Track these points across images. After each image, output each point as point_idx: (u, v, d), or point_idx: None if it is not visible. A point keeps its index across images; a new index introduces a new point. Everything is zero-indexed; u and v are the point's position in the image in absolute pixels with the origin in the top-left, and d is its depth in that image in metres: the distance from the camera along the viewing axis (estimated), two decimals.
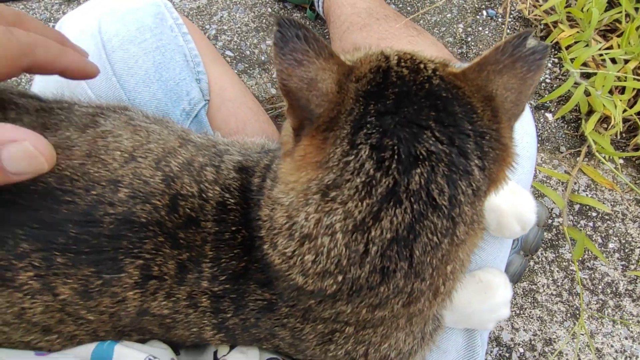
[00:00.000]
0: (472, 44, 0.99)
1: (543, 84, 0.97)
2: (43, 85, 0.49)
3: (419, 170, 0.25)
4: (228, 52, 0.97)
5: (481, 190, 0.27)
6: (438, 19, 1.00)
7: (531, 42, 0.27)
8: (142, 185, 0.30)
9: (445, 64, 0.30)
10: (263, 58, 0.96)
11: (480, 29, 1.00)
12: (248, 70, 0.95)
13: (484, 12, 1.02)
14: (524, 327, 0.80)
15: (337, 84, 0.27)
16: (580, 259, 0.84)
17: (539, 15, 0.96)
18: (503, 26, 1.00)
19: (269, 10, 1.00)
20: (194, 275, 0.30)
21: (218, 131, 0.56)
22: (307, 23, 0.99)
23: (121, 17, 0.51)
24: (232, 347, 0.35)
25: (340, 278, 0.27)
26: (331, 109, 0.27)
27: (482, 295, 0.41)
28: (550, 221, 0.86)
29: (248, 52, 0.97)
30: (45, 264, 0.28)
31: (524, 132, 0.47)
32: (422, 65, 0.29)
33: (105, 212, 0.29)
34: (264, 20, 0.99)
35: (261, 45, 0.97)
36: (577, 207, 0.88)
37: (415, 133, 0.26)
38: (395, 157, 0.25)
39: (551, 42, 0.95)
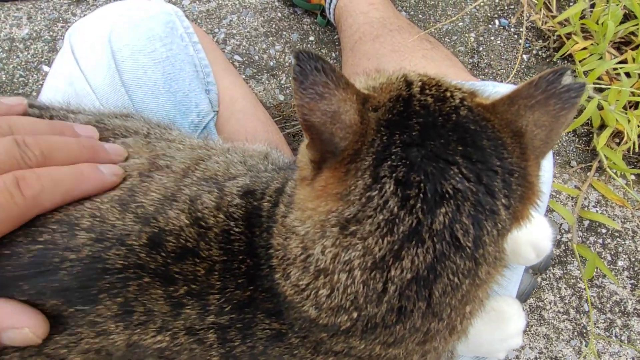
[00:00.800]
0: (484, 53, 0.98)
1: None
2: (52, 95, 0.48)
3: (444, 210, 0.24)
4: (237, 57, 0.96)
5: (505, 229, 0.26)
6: (450, 28, 0.99)
7: (567, 79, 0.26)
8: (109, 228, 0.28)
9: (473, 93, 0.29)
10: (272, 63, 0.95)
11: (492, 38, 0.99)
12: (256, 76, 0.94)
13: (497, 22, 1.01)
14: (529, 344, 0.79)
15: (358, 114, 0.26)
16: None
17: (553, 27, 0.95)
18: (516, 36, 0.98)
19: (279, 14, 0.99)
20: (195, 311, 0.29)
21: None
22: (317, 29, 0.98)
23: (133, 27, 0.50)
24: None
25: (355, 315, 0.26)
26: (355, 141, 0.26)
27: (494, 324, 0.40)
28: (558, 237, 0.85)
29: (257, 57, 0.96)
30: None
31: None
32: (448, 94, 0.28)
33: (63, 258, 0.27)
34: (274, 25, 0.98)
35: (270, 50, 0.96)
36: (586, 223, 0.87)
37: (442, 169, 0.25)
38: (421, 195, 0.24)
39: (564, 54, 0.93)
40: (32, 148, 0.28)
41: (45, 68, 0.94)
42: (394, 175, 0.25)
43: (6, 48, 0.95)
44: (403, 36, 0.66)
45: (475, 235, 0.25)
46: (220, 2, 0.99)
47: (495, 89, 0.51)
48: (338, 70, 0.26)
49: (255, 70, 0.95)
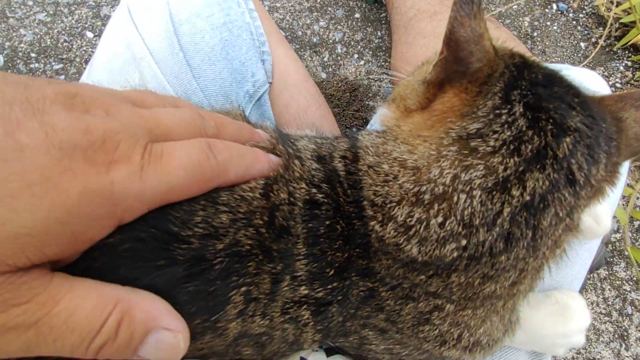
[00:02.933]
0: (538, 39, 0.93)
1: (613, 89, 0.90)
2: (108, 59, 0.47)
3: (568, 140, 0.25)
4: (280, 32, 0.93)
5: (597, 188, 0.27)
6: (503, 10, 0.94)
7: None
8: (241, 204, 0.27)
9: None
10: (315, 40, 0.93)
11: (549, 23, 0.94)
12: (299, 52, 0.92)
13: (554, 6, 0.95)
14: None
15: (494, 49, 0.28)
16: (634, 278, 0.79)
17: (617, 14, 0.88)
18: (574, 22, 0.93)
19: None
20: (287, 282, 0.28)
21: (278, 116, 0.53)
22: (363, 6, 0.94)
23: None
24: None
25: (464, 242, 0.25)
26: (489, 66, 0.28)
27: (558, 317, 0.38)
28: None
29: (300, 33, 0.93)
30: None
31: None
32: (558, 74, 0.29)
33: (215, 250, 0.25)
34: (319, 0, 0.95)
35: (314, 26, 0.94)
36: (637, 223, 0.83)
37: (565, 108, 0.26)
38: (550, 120, 0.26)
39: (626, 43, 0.88)
40: (209, 119, 0.28)
41: (89, 34, 0.94)
42: (523, 100, 0.26)
43: (51, 12, 0.95)
44: None
45: (586, 174, 0.26)
46: None
47: (568, 72, 0.47)
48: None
49: (297, 46, 0.92)
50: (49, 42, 0.93)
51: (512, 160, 0.25)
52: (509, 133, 0.25)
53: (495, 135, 0.25)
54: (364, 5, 0.95)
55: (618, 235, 0.81)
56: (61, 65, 0.91)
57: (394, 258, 0.27)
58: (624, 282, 0.79)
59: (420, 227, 0.26)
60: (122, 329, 0.21)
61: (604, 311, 0.78)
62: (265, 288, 0.28)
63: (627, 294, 0.79)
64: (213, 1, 0.49)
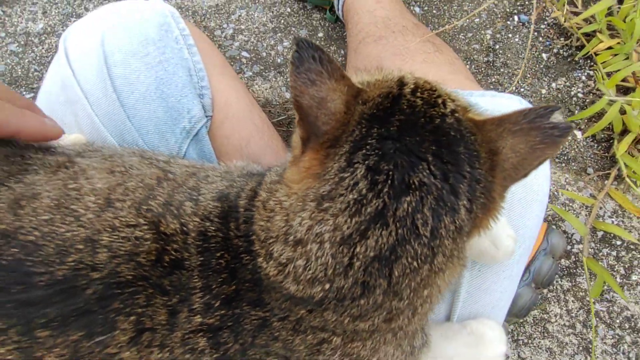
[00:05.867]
0: (500, 52, 0.93)
1: (575, 99, 0.90)
2: (45, 100, 0.49)
3: (408, 199, 0.27)
4: (244, 53, 0.95)
5: (464, 229, 0.28)
6: (465, 24, 0.95)
7: (556, 117, 0.27)
8: (122, 243, 0.29)
9: (466, 108, 0.31)
10: (279, 60, 0.94)
11: (510, 35, 0.94)
12: (263, 73, 0.94)
13: (516, 18, 0.95)
14: (531, 357, 0.77)
15: (345, 104, 0.29)
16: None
17: (577, 24, 0.89)
18: (535, 33, 0.93)
19: (288, 10, 0.98)
20: (184, 314, 0.30)
21: (219, 148, 0.55)
22: (327, 25, 0.96)
23: (126, 30, 0.50)
24: None
25: (327, 286, 0.28)
26: (336, 128, 0.29)
27: (472, 349, 0.39)
28: (570, 248, 0.82)
29: (264, 54, 0.95)
30: (26, 338, 0.27)
31: (535, 174, 0.43)
32: (440, 100, 0.29)
33: (88, 278, 0.28)
34: (282, 21, 0.97)
35: (278, 47, 0.95)
36: (600, 234, 0.83)
37: (412, 162, 0.27)
38: (389, 182, 0.27)
39: (586, 53, 0.88)
40: None
41: None
42: (366, 162, 0.27)
43: (22, 42, 0.97)
44: (406, 38, 0.63)
45: (433, 227, 0.27)
46: None
47: (494, 99, 0.48)
48: (335, 62, 0.29)
49: (262, 67, 0.94)
50: (20, 72, 0.95)
51: (353, 220, 0.27)
52: (351, 196, 0.27)
53: (341, 198, 0.27)
54: (327, 24, 0.96)
55: (581, 247, 0.82)
56: (32, 94, 0.94)
57: (279, 292, 0.29)
58: (588, 293, 0.79)
59: (291, 267, 0.28)
60: None
61: (567, 323, 0.78)
62: (161, 319, 0.29)
63: (590, 306, 0.79)
64: (149, 40, 0.50)
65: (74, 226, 0.29)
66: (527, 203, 0.42)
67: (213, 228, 0.31)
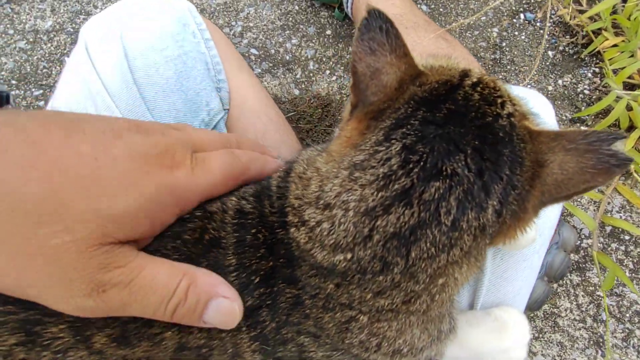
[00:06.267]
0: (507, 49, 0.94)
1: (581, 95, 0.91)
2: (65, 99, 0.49)
3: (437, 184, 0.26)
4: (253, 50, 0.95)
5: (488, 231, 0.28)
6: (472, 22, 0.95)
7: (619, 145, 0.26)
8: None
9: (525, 115, 0.29)
10: (288, 57, 0.94)
11: (517, 33, 0.95)
12: (272, 70, 0.94)
13: (522, 16, 0.96)
14: (542, 351, 0.77)
15: (398, 81, 0.29)
16: None
17: (582, 22, 0.90)
18: (541, 31, 0.94)
19: (296, 7, 0.98)
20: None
21: None
22: (335, 23, 0.96)
23: (144, 23, 0.50)
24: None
25: (349, 255, 0.28)
26: (383, 101, 0.29)
27: (497, 334, 0.39)
28: (578, 242, 0.82)
29: (273, 51, 0.95)
30: (78, 323, 0.28)
31: None
32: (499, 100, 0.29)
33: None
34: (291, 19, 0.97)
35: (286, 44, 0.96)
36: (608, 228, 0.83)
37: (449, 150, 0.27)
38: (421, 163, 0.27)
39: (592, 51, 0.89)
40: (231, 137, 0.36)
41: (68, 60, 0.96)
42: (403, 140, 0.27)
43: (30, 40, 0.97)
44: (418, 34, 0.64)
45: (455, 218, 0.26)
46: None
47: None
48: (402, 39, 0.29)
49: (271, 64, 0.94)
50: (29, 69, 0.95)
51: (379, 194, 0.27)
52: (381, 170, 0.27)
53: (372, 170, 0.27)
54: (335, 22, 0.97)
55: (590, 241, 0.82)
56: (41, 91, 0.94)
57: (309, 264, 0.30)
58: (597, 287, 0.80)
59: (317, 230, 0.28)
60: (190, 294, 0.27)
61: (578, 317, 0.79)
62: None
63: (600, 300, 0.79)
64: (167, 34, 0.51)
65: None
66: None
67: (249, 206, 0.32)
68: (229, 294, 0.28)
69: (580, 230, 0.83)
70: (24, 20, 0.99)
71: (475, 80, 0.29)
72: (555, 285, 0.80)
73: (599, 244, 0.82)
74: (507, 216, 0.28)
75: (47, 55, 0.96)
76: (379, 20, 0.28)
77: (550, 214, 0.43)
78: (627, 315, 0.78)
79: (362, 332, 0.31)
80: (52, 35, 0.98)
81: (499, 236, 0.29)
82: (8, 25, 0.99)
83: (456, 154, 0.26)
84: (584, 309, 0.79)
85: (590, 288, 0.80)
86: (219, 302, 0.28)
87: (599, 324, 0.78)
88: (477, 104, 0.28)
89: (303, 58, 0.94)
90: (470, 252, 0.28)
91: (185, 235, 0.30)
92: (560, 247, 0.67)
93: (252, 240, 0.30)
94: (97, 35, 0.50)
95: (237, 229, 0.31)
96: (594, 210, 0.84)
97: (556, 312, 0.79)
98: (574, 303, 0.79)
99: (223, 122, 0.54)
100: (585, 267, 0.81)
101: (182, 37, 0.51)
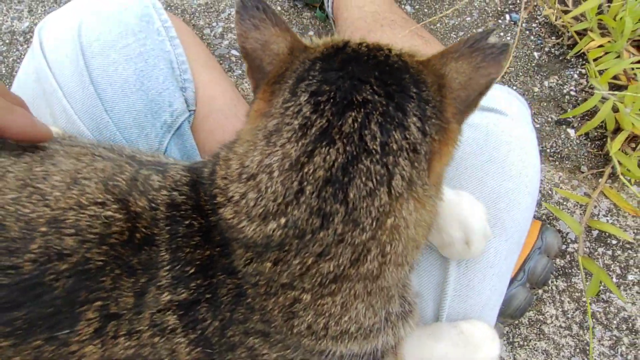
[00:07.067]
0: None
1: (567, 97, 0.89)
2: (20, 93, 0.47)
3: (353, 114, 0.26)
4: (234, 52, 0.94)
5: (420, 152, 0.27)
6: (456, 23, 0.94)
7: (493, 38, 0.29)
8: (91, 223, 0.27)
9: (412, 53, 0.31)
10: None
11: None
12: None
13: (507, 17, 0.95)
14: (527, 359, 0.75)
15: (289, 48, 0.31)
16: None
17: (568, 22, 0.88)
18: (527, 32, 0.93)
19: (279, 8, 0.96)
20: (152, 293, 0.28)
21: (202, 143, 0.53)
22: (317, 23, 0.95)
23: (104, 20, 0.48)
24: None
25: (283, 221, 0.26)
26: (280, 67, 0.30)
27: (461, 349, 0.37)
28: (564, 247, 0.80)
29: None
30: None
31: (525, 164, 0.42)
32: (385, 47, 0.30)
33: (55, 272, 0.26)
34: None
35: None
36: (595, 233, 0.81)
37: (354, 84, 0.27)
38: (331, 101, 0.26)
39: (578, 51, 0.87)
40: None
41: None
42: (309, 89, 0.27)
43: (7, 41, 0.95)
44: (395, 31, 0.62)
45: (382, 141, 0.26)
46: None
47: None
48: (281, 17, 0.31)
49: None
50: (4, 71, 0.93)
51: (300, 142, 0.26)
52: (296, 122, 0.26)
53: (287, 127, 0.27)
54: (317, 23, 0.95)
55: (576, 246, 0.80)
56: None
57: (242, 245, 0.28)
58: (584, 293, 0.78)
59: (243, 202, 0.27)
60: None
61: (563, 324, 0.77)
62: (127, 302, 0.27)
63: (587, 306, 0.77)
64: (129, 32, 0.49)
65: (40, 206, 0.27)
66: (515, 195, 0.41)
67: (182, 197, 0.30)
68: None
69: (566, 234, 0.81)
70: (0, 22, 0.97)
71: (358, 41, 0.31)
72: (540, 291, 0.78)
73: (585, 249, 0.80)
74: (432, 132, 0.28)
75: (22, 56, 0.94)
76: (253, 1, 0.30)
77: (518, 216, 0.41)
78: (614, 322, 0.76)
79: (308, 314, 0.29)
80: (28, 37, 0.96)
81: (435, 158, 0.28)
82: None
83: (361, 85, 0.27)
84: (569, 315, 0.77)
85: (577, 294, 0.78)
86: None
87: (586, 331, 0.76)
88: (366, 51, 0.29)
89: None
90: (413, 181, 0.27)
91: (110, 239, 0.27)
92: (543, 252, 0.65)
93: (186, 230, 0.29)
94: (52, 33, 0.48)
95: (169, 222, 0.29)
96: (580, 214, 0.82)
97: (541, 319, 0.77)
98: (560, 310, 0.77)
99: (187, 124, 0.51)
100: (571, 273, 0.79)
101: (145, 35, 0.49)
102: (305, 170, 0.26)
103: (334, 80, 0.27)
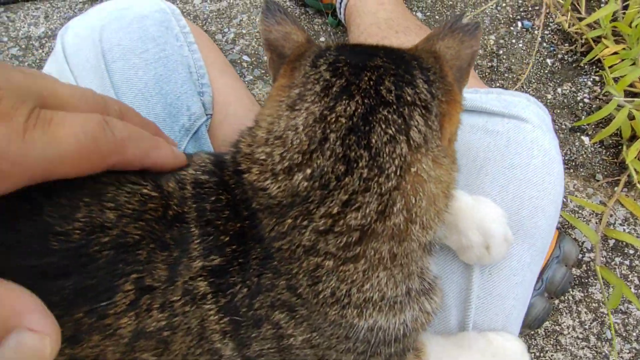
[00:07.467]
0: (504, 57, 0.92)
1: (581, 104, 0.89)
2: None
3: (368, 74, 0.29)
4: (245, 57, 0.94)
5: (431, 110, 0.30)
6: None
7: (465, 19, 0.35)
8: (128, 198, 0.27)
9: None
10: None
11: (514, 41, 0.93)
12: (264, 77, 0.92)
13: (519, 24, 0.95)
14: None
15: (306, 39, 0.36)
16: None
17: (581, 29, 0.88)
18: (540, 39, 0.92)
19: None
20: (184, 264, 0.28)
21: (219, 148, 0.53)
22: (329, 30, 0.95)
23: (125, 26, 0.48)
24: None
25: (308, 171, 0.27)
26: (299, 49, 0.34)
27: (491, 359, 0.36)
28: (580, 256, 0.79)
29: (265, 58, 0.94)
30: None
31: (549, 170, 0.41)
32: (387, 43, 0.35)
33: (98, 243, 0.26)
34: None
35: None
36: (611, 242, 0.80)
37: (366, 56, 0.31)
38: (348, 65, 0.30)
39: (592, 59, 0.87)
40: (114, 103, 0.28)
41: None
42: (327, 61, 0.31)
43: (23, 46, 0.97)
44: (408, 38, 0.62)
45: (397, 94, 0.28)
46: (231, 1, 0.98)
47: (500, 96, 0.47)
48: (300, 24, 0.36)
49: (263, 71, 0.93)
50: None
51: (322, 101, 0.29)
52: (318, 87, 0.29)
53: (310, 92, 0.29)
54: (329, 29, 0.95)
55: (592, 255, 0.79)
56: None
57: (267, 210, 0.28)
58: (601, 304, 0.76)
59: (269, 159, 0.29)
60: None
61: (580, 336, 0.75)
62: (161, 275, 0.27)
63: (605, 317, 0.76)
64: (148, 37, 0.49)
65: (84, 179, 0.26)
66: (538, 202, 0.40)
67: (205, 175, 0.31)
68: (41, 325, 0.20)
69: (582, 243, 0.80)
70: (18, 28, 0.98)
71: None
72: (556, 302, 0.76)
73: (601, 258, 0.79)
74: (438, 94, 0.31)
75: (37, 61, 0.95)
76: (277, 6, 0.36)
77: (542, 224, 0.41)
78: (634, 334, 0.75)
79: (331, 279, 0.28)
80: (44, 42, 0.97)
81: (445, 119, 0.31)
82: (3, 33, 0.98)
83: (372, 57, 0.31)
84: (587, 326, 0.75)
85: (594, 305, 0.77)
86: (22, 337, 0.19)
87: (604, 342, 0.74)
88: (362, 46, 0.34)
89: None
90: (428, 139, 0.29)
91: (146, 215, 0.27)
92: (561, 261, 0.64)
93: (214, 206, 0.29)
94: (75, 38, 0.48)
95: (195, 200, 0.29)
96: (596, 222, 0.81)
97: (558, 329, 0.75)
98: (577, 320, 0.76)
99: (205, 128, 0.51)
100: (588, 283, 0.78)
101: (164, 40, 0.50)
102: (328, 119, 0.28)
103: (348, 55, 0.31)
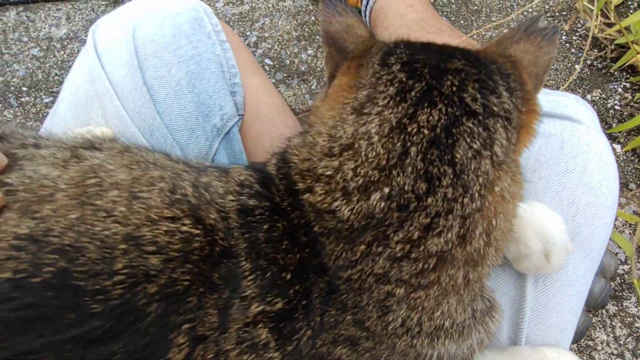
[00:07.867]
0: None
1: (612, 111, 0.86)
2: (72, 93, 0.46)
3: (450, 78, 0.26)
4: (267, 61, 0.93)
5: (512, 121, 0.27)
6: (494, 35, 0.92)
7: (542, 23, 0.32)
8: (170, 240, 0.25)
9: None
10: (303, 68, 0.92)
11: None
12: (286, 80, 0.91)
13: None
14: None
15: (369, 33, 0.32)
16: None
17: (611, 35, 0.86)
18: (568, 45, 0.90)
19: (312, 18, 0.96)
20: (236, 306, 0.25)
21: (249, 149, 0.51)
22: None
23: (158, 23, 0.47)
24: None
25: (387, 190, 0.24)
26: (364, 44, 0.31)
27: None
28: (614, 269, 0.76)
29: (288, 62, 0.93)
30: None
31: (605, 175, 0.39)
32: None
33: (145, 295, 0.23)
34: (307, 29, 0.95)
35: (302, 54, 0.93)
36: None
37: (442, 57, 0.28)
38: (427, 67, 0.27)
39: (623, 64, 0.85)
40: None
41: None
42: (399, 60, 0.28)
43: (44, 47, 0.96)
44: (442, 39, 0.61)
45: (483, 102, 0.26)
46: (253, 4, 0.97)
47: (547, 97, 0.45)
48: (361, 17, 0.32)
49: (285, 75, 0.92)
50: (40, 76, 0.94)
51: (399, 107, 0.26)
52: (392, 89, 0.26)
53: (382, 94, 0.26)
54: None
55: (626, 267, 0.76)
56: (51, 99, 0.92)
57: (334, 235, 0.25)
58: (636, 318, 0.73)
59: (338, 176, 0.25)
60: None
61: (615, 351, 0.72)
62: (213, 322, 0.24)
63: (639, 332, 0.72)
64: (182, 34, 0.48)
65: (109, 222, 0.24)
66: (595, 208, 0.38)
67: (253, 200, 0.28)
68: None
69: (616, 254, 0.77)
70: (38, 28, 0.98)
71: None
72: (590, 316, 0.73)
73: (637, 271, 0.76)
74: (518, 103, 0.28)
75: (59, 62, 0.95)
76: (338, 1, 0.33)
77: (598, 232, 0.38)
78: None
79: (401, 308, 0.26)
80: (65, 43, 0.97)
81: (522, 132, 0.28)
82: (23, 33, 0.98)
83: (449, 58, 0.28)
84: (621, 342, 0.72)
85: (629, 319, 0.73)
86: None
87: (639, 358, 0.71)
88: (427, 42, 0.31)
89: (318, 69, 0.92)
90: (507, 153, 0.26)
91: (193, 255, 0.25)
92: (600, 273, 0.61)
93: (268, 235, 0.26)
94: (107, 35, 0.47)
95: (244, 231, 0.26)
96: (630, 233, 0.78)
97: (592, 344, 0.72)
98: (611, 335, 0.73)
99: (237, 128, 0.50)
100: (622, 296, 0.74)
101: (197, 38, 0.49)
102: (409, 130, 0.25)
103: (422, 53, 0.28)
